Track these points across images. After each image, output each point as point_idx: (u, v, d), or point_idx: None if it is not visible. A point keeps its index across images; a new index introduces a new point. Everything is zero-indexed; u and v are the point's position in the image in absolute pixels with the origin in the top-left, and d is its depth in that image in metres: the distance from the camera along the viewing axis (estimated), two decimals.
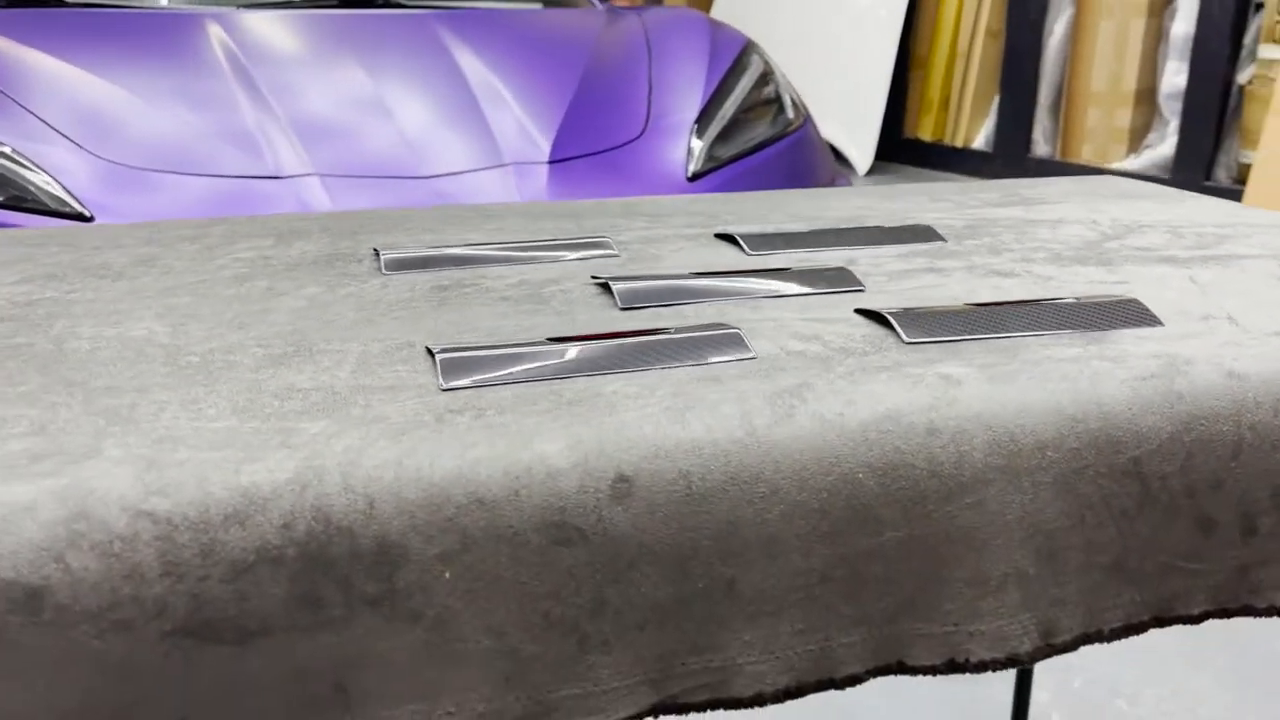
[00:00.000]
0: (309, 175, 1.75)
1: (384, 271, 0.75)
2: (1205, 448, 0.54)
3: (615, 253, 0.80)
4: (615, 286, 0.69)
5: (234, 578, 0.41)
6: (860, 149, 5.34)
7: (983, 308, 0.66)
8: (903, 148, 5.44)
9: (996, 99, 5.09)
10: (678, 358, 0.57)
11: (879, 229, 0.86)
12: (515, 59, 2.32)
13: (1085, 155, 4.79)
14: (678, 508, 0.47)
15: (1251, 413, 0.56)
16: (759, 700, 0.49)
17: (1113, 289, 0.73)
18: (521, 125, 2.05)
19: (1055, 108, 4.95)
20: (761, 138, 2.28)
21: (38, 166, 1.70)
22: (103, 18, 2.18)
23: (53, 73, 1.94)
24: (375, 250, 0.79)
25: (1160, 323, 0.65)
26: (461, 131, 1.98)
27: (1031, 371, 0.56)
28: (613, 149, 2.04)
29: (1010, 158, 4.96)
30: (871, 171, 5.63)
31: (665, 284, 0.70)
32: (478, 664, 0.45)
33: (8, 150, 1.71)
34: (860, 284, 0.72)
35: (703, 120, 2.21)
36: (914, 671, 0.51)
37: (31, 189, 1.65)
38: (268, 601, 0.41)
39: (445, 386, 0.53)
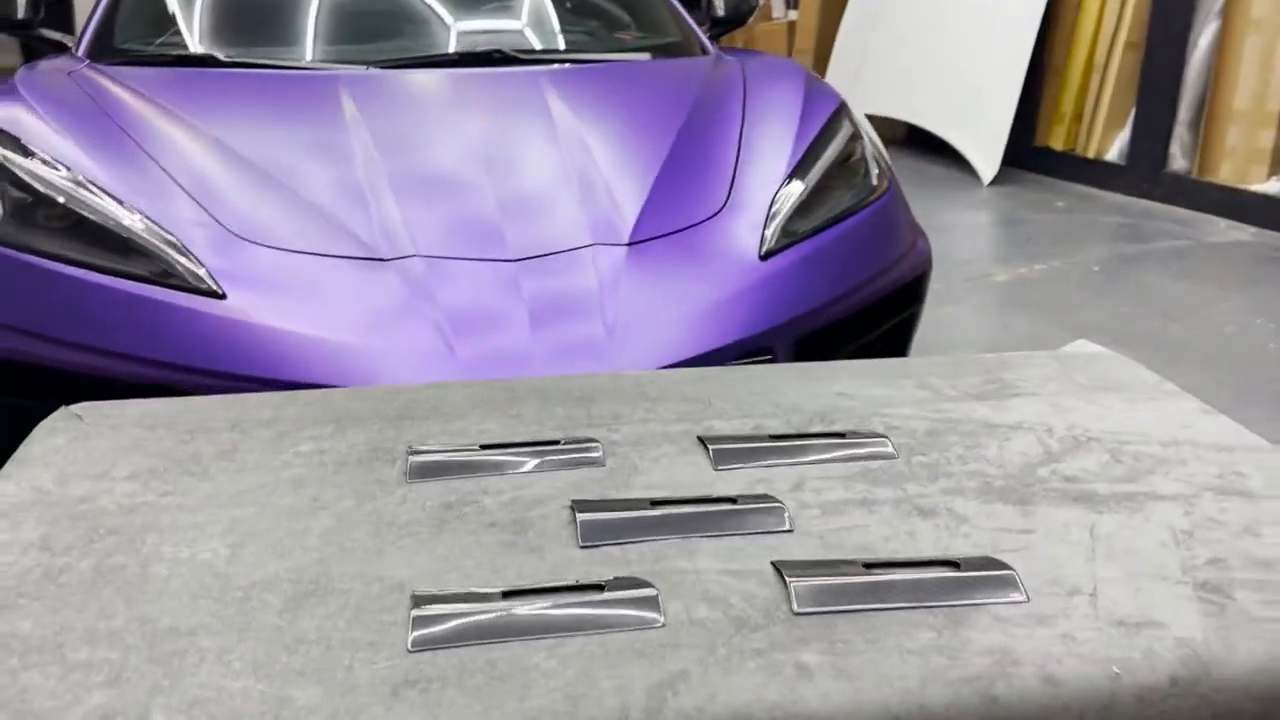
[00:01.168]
0: (411, 258, 1.95)
1: (408, 480, 0.92)
2: None
3: (601, 463, 0.95)
4: (580, 520, 0.85)
5: None
6: (986, 157, 5.31)
7: (871, 573, 0.79)
8: (1032, 156, 5.38)
9: (1133, 112, 4.98)
10: (598, 625, 0.73)
11: (839, 441, 0.99)
12: (615, 122, 2.47)
13: (1223, 174, 4.66)
14: None
15: (1059, 718, 0.68)
16: None
17: (1015, 539, 0.85)
18: (610, 201, 2.20)
19: (1195, 123, 4.82)
20: (843, 208, 2.38)
21: (181, 242, 1.95)
22: (245, 80, 2.42)
23: (192, 139, 2.19)
24: (408, 449, 0.97)
25: (1025, 598, 0.77)
26: (551, 209, 2.15)
27: (878, 665, 0.70)
28: (690, 227, 2.17)
29: (1144, 172, 4.87)
30: (997, 180, 5.60)
31: (624, 517, 0.86)
32: None
33: (155, 224, 1.96)
34: (790, 527, 0.86)
35: (783, 193, 2.32)
36: None
37: (178, 267, 1.90)
38: None
39: (411, 649, 0.71)
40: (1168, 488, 0.94)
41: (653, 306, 2.07)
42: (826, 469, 0.96)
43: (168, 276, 1.92)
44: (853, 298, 2.34)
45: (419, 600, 0.76)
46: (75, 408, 1.06)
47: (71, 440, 1.00)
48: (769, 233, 2.24)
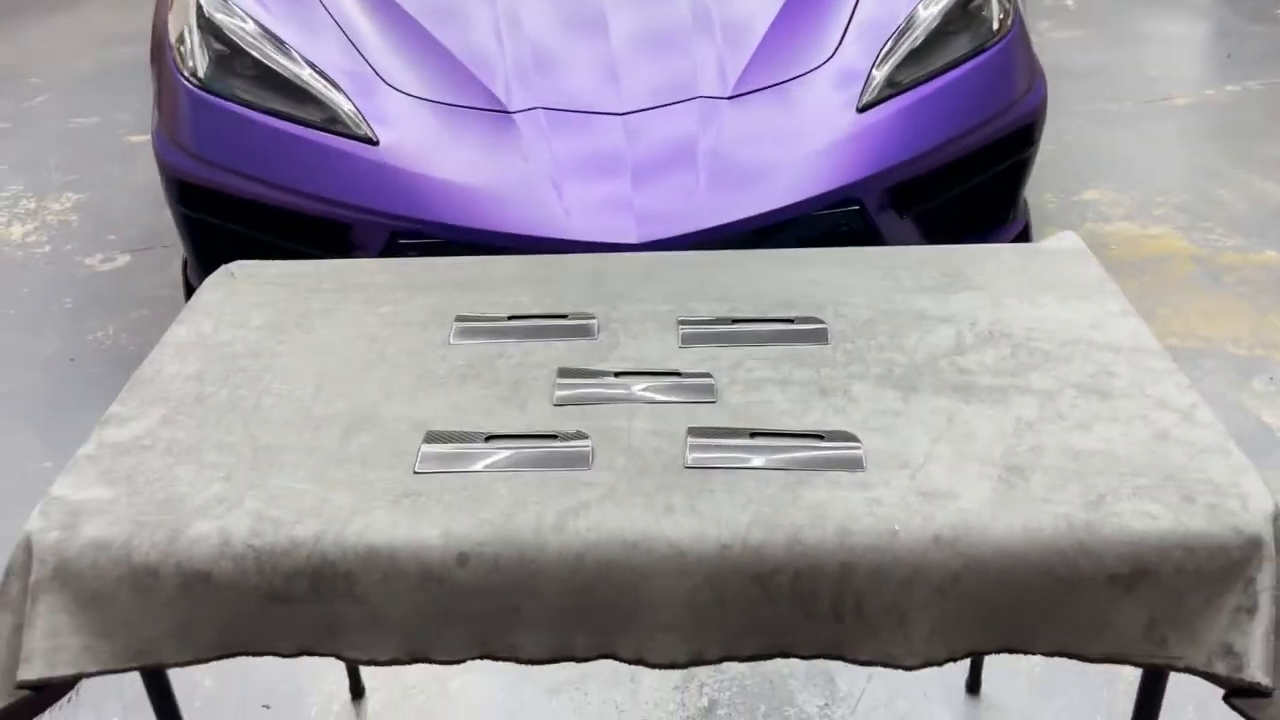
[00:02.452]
0: (534, 110, 2.23)
1: (450, 342, 1.25)
2: (813, 568, 0.96)
3: (594, 335, 1.25)
4: (558, 384, 1.16)
5: (273, 575, 0.96)
6: None
7: (753, 440, 1.07)
8: None
9: None
10: (542, 464, 1.05)
11: (785, 328, 1.25)
12: None
13: None
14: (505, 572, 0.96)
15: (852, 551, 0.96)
16: None
17: (883, 419, 1.10)
18: (722, 47, 2.39)
19: None
20: (956, 54, 2.46)
21: (345, 90, 2.30)
22: None
23: None
24: (456, 316, 1.29)
25: (862, 469, 1.04)
26: (663, 59, 2.37)
27: (722, 508, 0.99)
28: (793, 79, 2.34)
29: None
30: None
31: (592, 385, 1.16)
32: None
33: (323, 74, 2.30)
34: (714, 399, 1.14)
35: (898, 39, 2.42)
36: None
37: (341, 115, 2.25)
38: (288, 582, 0.97)
39: (415, 472, 1.05)
40: (1040, 383, 1.15)
41: (746, 159, 2.29)
42: (766, 350, 1.22)
43: (333, 123, 2.28)
44: (954, 146, 2.45)
45: (430, 437, 1.10)
46: (231, 266, 1.43)
47: (226, 295, 1.37)
48: (872, 84, 2.37)
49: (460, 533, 0.98)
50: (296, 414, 1.15)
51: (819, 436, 1.08)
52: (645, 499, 1.01)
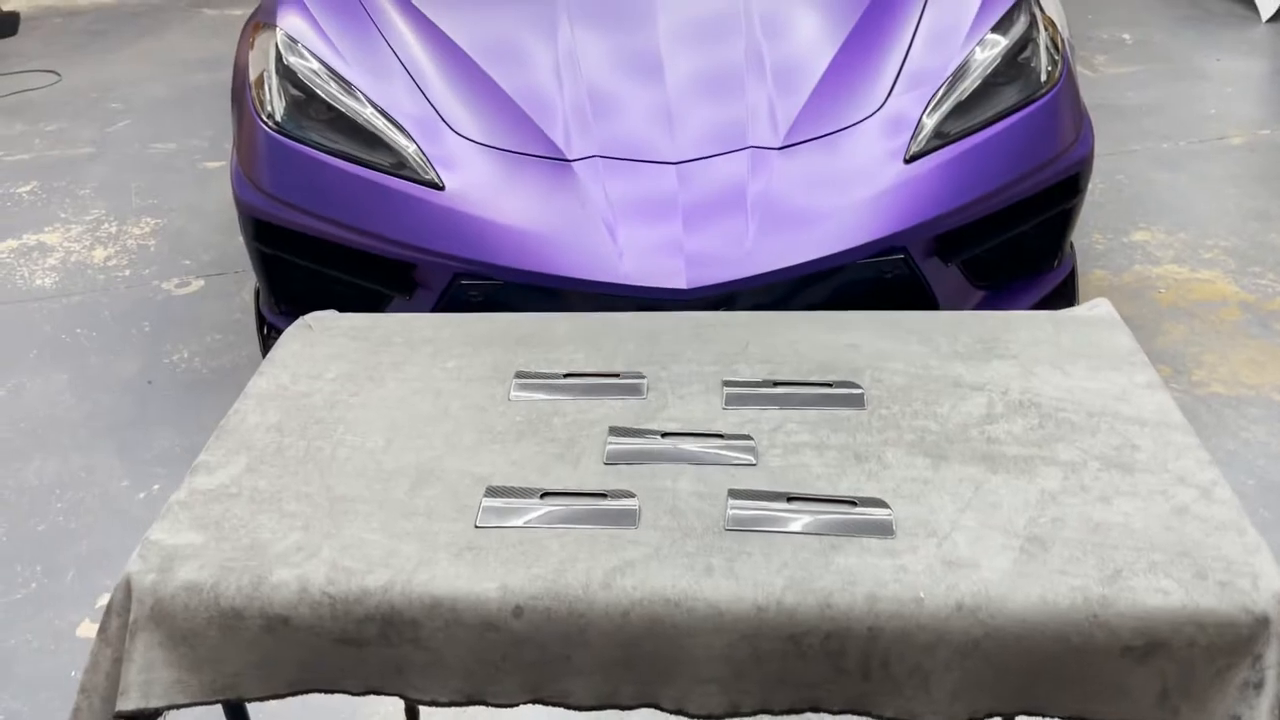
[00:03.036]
0: (591, 158, 2.33)
1: (510, 399, 1.34)
2: (843, 630, 1.03)
3: (644, 395, 1.33)
4: (609, 444, 1.25)
5: (346, 620, 1.06)
6: None
7: (789, 505, 1.15)
8: None
9: None
10: (593, 521, 1.13)
11: (824, 392, 1.32)
12: (801, 5, 2.68)
13: None
14: (555, 623, 1.05)
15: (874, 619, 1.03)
16: None
17: (914, 487, 1.17)
18: (775, 97, 2.47)
19: None
20: (1004, 105, 2.51)
21: (409, 134, 2.41)
22: None
23: (425, 32, 2.61)
24: (515, 372, 1.38)
25: (892, 535, 1.11)
26: (717, 105, 2.45)
27: (758, 571, 1.07)
28: (843, 129, 2.41)
29: None
30: (1277, 16, 5.21)
31: (640, 445, 1.24)
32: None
33: (393, 120, 2.42)
34: (755, 461, 1.22)
35: (947, 90, 2.48)
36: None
37: (408, 160, 2.36)
38: (359, 627, 1.06)
39: (477, 526, 1.14)
40: (1065, 454, 1.21)
41: (795, 208, 2.36)
42: (804, 415, 1.29)
43: (401, 168, 2.39)
44: (1000, 195, 2.51)
45: (490, 492, 1.19)
46: (308, 318, 1.54)
47: (303, 346, 1.48)
48: (920, 135, 2.43)
49: (516, 586, 1.07)
50: (368, 466, 1.24)
51: (852, 502, 1.15)
52: (687, 560, 1.09)
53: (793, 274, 2.21)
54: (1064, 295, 2.66)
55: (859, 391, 1.33)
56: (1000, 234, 2.49)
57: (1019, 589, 1.04)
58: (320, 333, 1.51)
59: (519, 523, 1.14)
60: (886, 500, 1.16)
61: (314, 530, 1.15)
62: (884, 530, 1.11)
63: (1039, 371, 1.36)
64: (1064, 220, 2.61)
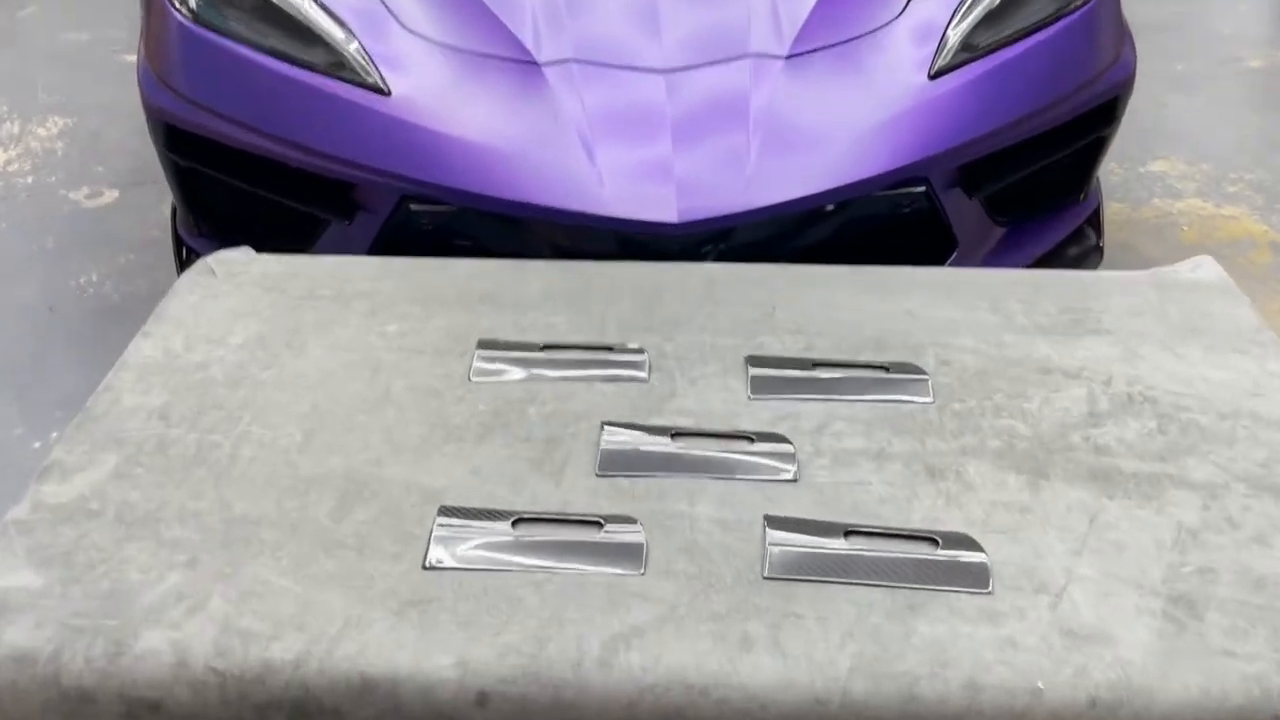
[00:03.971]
0: (565, 62, 1.97)
1: (471, 379, 1.03)
2: None
3: (645, 378, 1.02)
4: (603, 447, 0.94)
5: (241, 708, 0.76)
6: None
7: (848, 542, 0.85)
8: None
9: None
10: (585, 562, 0.83)
11: (879, 377, 1.02)
12: None
13: None
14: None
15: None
16: None
17: (1010, 518, 0.88)
18: (775, 3, 2.11)
19: None
20: (1038, 16, 2.19)
21: (350, 29, 2.03)
22: None
23: None
24: (479, 343, 1.07)
25: (988, 590, 0.82)
26: (712, 6, 2.10)
27: (815, 647, 0.78)
28: (858, 37, 2.07)
29: None
30: None
31: (642, 450, 0.94)
32: None
33: (330, 10, 2.04)
34: (795, 476, 0.92)
35: None
36: None
37: (347, 58, 1.99)
38: (259, 717, 0.76)
39: (427, 566, 0.84)
40: (1199, 473, 0.93)
41: (802, 129, 2.03)
42: (855, 410, 0.99)
43: (339, 68, 2.02)
44: (1033, 120, 2.20)
45: (445, 512, 0.88)
46: (211, 260, 1.20)
47: (203, 299, 1.15)
48: (945, 47, 2.10)
49: (480, 662, 0.77)
50: (280, 472, 0.93)
51: (933, 540, 0.86)
52: (715, 625, 0.79)
53: (800, 207, 1.89)
54: (1089, 234, 2.39)
55: (923, 378, 1.03)
56: (1030, 163, 2.19)
57: (1171, 676, 0.76)
58: (226, 279, 1.18)
59: (483, 564, 0.84)
60: (975, 536, 0.87)
61: (202, 569, 0.84)
62: (978, 581, 0.83)
63: (1146, 354, 1.07)
64: (1097, 149, 2.32)
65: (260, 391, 1.02)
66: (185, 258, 2.34)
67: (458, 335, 1.09)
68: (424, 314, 1.12)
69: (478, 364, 1.04)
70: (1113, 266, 2.46)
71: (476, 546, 0.85)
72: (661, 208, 1.87)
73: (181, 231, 2.35)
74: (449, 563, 0.84)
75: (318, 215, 2.09)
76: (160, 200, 3.00)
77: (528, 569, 0.84)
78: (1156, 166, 3.23)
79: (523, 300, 1.14)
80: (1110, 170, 3.20)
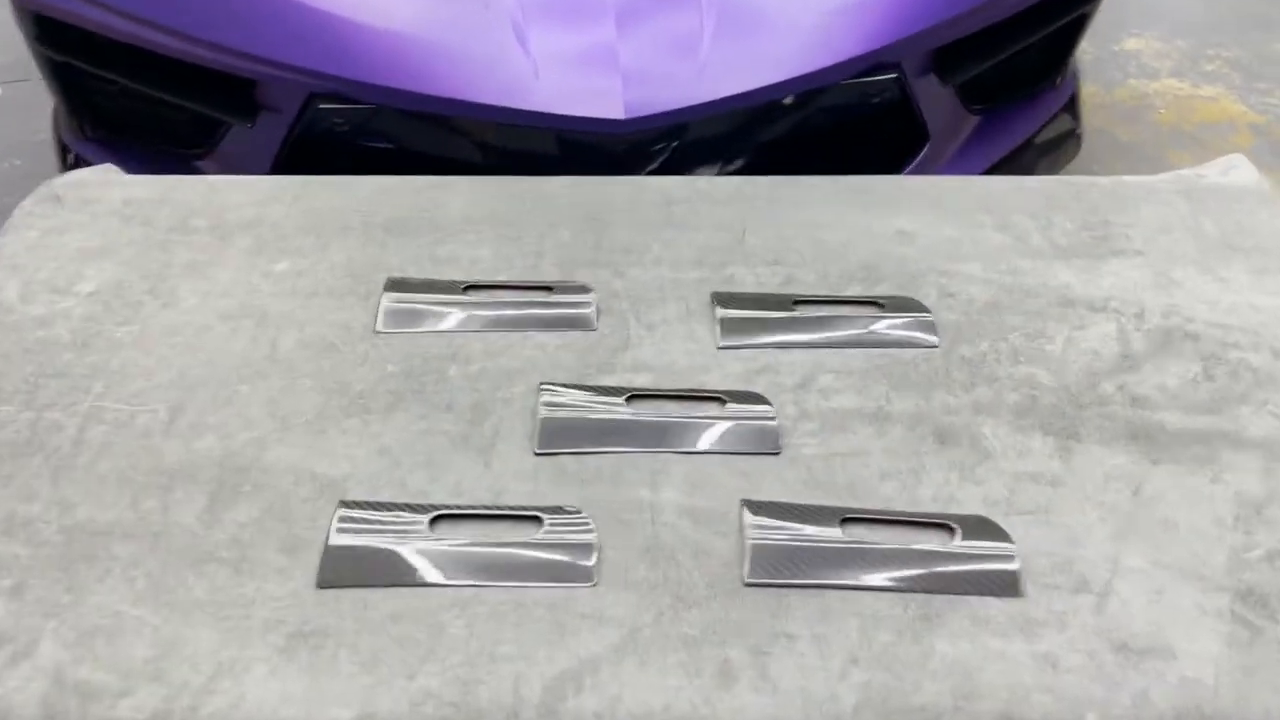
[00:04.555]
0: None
1: (377, 330, 0.84)
2: None
3: (592, 324, 0.84)
4: (541, 419, 0.76)
5: None
6: None
7: (846, 532, 0.69)
8: None
9: None
10: (521, 575, 0.66)
11: (873, 314, 0.85)
12: None
13: None
14: None
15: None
16: None
17: (1039, 493, 0.73)
18: None
19: None
20: None
21: None
22: None
23: None
24: (388, 283, 0.88)
25: (1017, 592, 0.67)
26: None
27: (811, 678, 0.62)
28: None
29: None
30: None
31: (591, 419, 0.76)
32: None
33: None
34: (778, 448, 0.75)
35: None
36: None
37: None
38: None
39: (323, 583, 0.66)
40: (1258, 427, 0.78)
41: (761, 9, 1.82)
42: (847, 358, 0.82)
43: None
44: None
45: (346, 506, 0.70)
46: (57, 185, 0.99)
47: (47, 234, 0.93)
48: None
49: (390, 715, 0.60)
50: (139, 461, 0.74)
51: (947, 528, 0.70)
52: (687, 653, 0.63)
53: (761, 98, 1.69)
54: (1066, 120, 2.21)
55: (926, 316, 0.86)
56: (1009, 44, 2.00)
57: (1251, 698, 0.62)
58: (77, 209, 0.96)
59: (394, 578, 0.67)
60: (998, 520, 0.71)
61: (30, 596, 0.66)
62: (1007, 584, 0.67)
63: (1181, 278, 0.91)
64: (1077, 28, 2.13)
65: (116, 354, 0.82)
66: (72, 167, 2.08)
67: (360, 273, 0.89)
68: (319, 247, 0.92)
69: (386, 310, 0.85)
70: (1088, 155, 2.29)
71: (384, 557, 0.68)
72: (606, 102, 1.66)
73: (65, 136, 2.09)
74: (350, 579, 0.67)
75: (215, 117, 1.85)
76: (48, 101, 2.71)
77: (454, 584, 0.67)
78: (1130, 44, 3.04)
79: (441, 226, 0.94)
80: (1081, 50, 3.00)
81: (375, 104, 1.71)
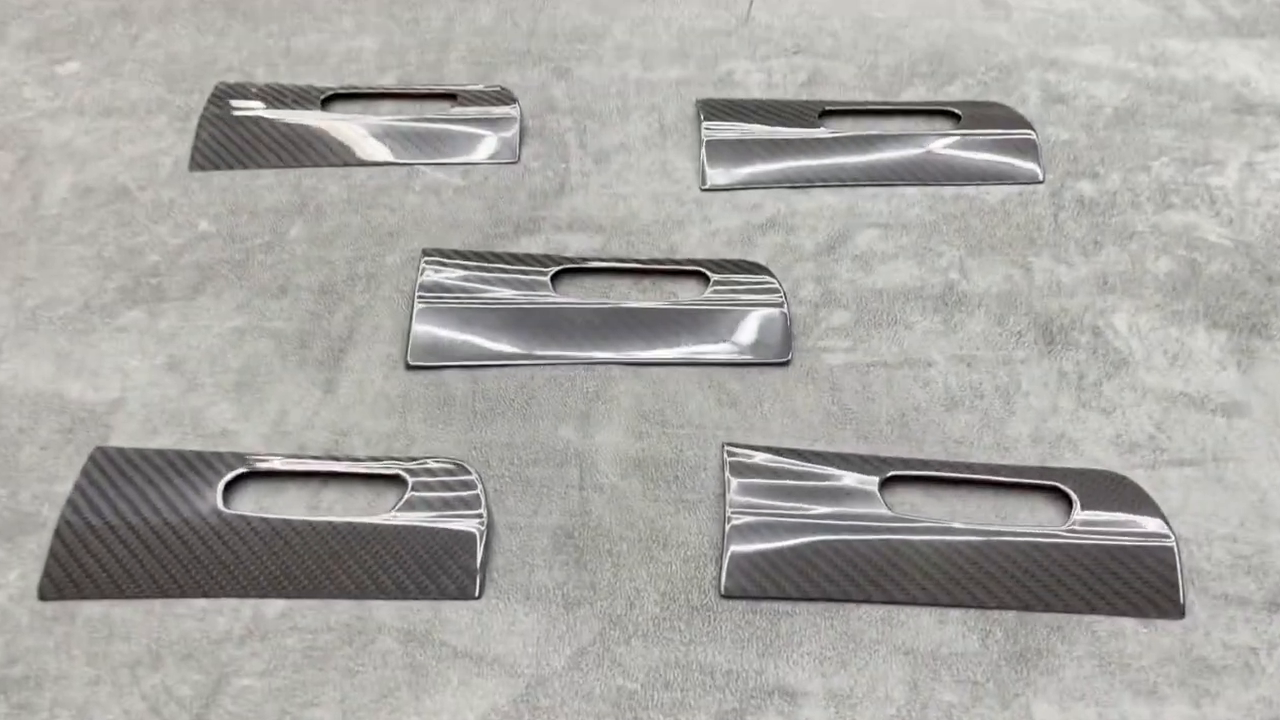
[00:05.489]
0: None
1: (191, 168, 0.56)
2: None
3: (516, 158, 0.56)
4: (418, 310, 0.49)
5: None
6: None
7: (877, 520, 0.43)
8: None
9: None
10: (360, 591, 0.41)
11: (939, 134, 0.56)
12: None
13: None
14: None
15: None
16: None
17: (1219, 432, 0.45)
18: None
19: None
20: None
21: None
22: None
23: None
24: (213, 91, 0.59)
25: (1180, 614, 0.40)
26: None
27: None
28: None
29: None
30: None
31: (471, 312, 0.49)
32: None
33: None
34: (786, 356, 0.48)
35: None
36: None
37: None
38: None
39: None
40: None
41: None
42: (899, 203, 0.53)
43: None
44: None
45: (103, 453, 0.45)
46: None
47: None
48: None
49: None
50: None
51: (1063, 494, 0.43)
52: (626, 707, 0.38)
53: None
54: None
55: (1025, 134, 0.56)
56: None
57: None
58: None
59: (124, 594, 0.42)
60: (1138, 478, 0.44)
61: None
62: (1169, 609, 0.40)
63: None
64: None
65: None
66: None
67: (181, 76, 0.60)
68: (127, 38, 0.63)
69: (205, 138, 0.57)
70: None
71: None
72: None
73: None
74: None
75: None
76: None
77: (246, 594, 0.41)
78: None
79: (306, 2, 0.64)
80: None
81: None
